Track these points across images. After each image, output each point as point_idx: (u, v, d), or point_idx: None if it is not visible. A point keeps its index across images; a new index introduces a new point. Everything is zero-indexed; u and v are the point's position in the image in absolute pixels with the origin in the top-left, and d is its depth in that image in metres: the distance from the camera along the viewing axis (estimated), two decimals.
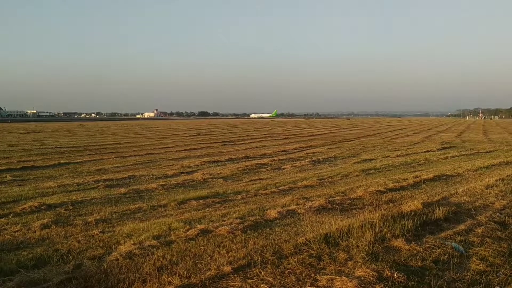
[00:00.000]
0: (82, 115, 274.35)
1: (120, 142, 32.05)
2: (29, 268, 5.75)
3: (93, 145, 28.81)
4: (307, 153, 22.78)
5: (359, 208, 9.41)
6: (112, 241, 6.93)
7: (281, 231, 7.51)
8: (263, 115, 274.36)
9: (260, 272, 5.52)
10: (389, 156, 21.20)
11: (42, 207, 9.46)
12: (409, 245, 6.60)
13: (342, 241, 6.68)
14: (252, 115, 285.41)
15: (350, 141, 33.88)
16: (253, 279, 5.34)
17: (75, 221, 8.34)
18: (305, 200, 10.06)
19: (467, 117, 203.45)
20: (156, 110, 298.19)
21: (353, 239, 6.72)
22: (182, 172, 15.33)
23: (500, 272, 5.65)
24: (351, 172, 15.02)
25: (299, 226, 7.85)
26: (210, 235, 7.15)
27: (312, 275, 5.44)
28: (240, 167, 16.52)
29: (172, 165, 17.52)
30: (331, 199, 10.06)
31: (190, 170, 16.01)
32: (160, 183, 12.63)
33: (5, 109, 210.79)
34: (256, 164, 17.52)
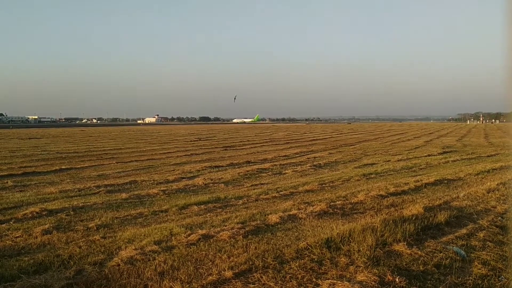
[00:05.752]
0: (84, 121, 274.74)
1: (121, 147, 32.08)
2: (30, 274, 5.75)
3: (94, 150, 28.85)
4: (308, 158, 22.78)
5: (360, 212, 9.41)
6: (113, 247, 6.93)
7: (283, 235, 7.51)
8: (245, 120, 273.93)
9: (262, 277, 5.52)
10: (390, 160, 21.19)
11: (43, 213, 9.47)
12: (410, 249, 6.59)
13: (343, 246, 6.67)
14: (235, 120, 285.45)
15: (351, 145, 33.87)
16: (255, 284, 5.33)
17: (76, 227, 8.34)
18: (306, 204, 10.05)
19: (468, 121, 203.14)
20: (157, 115, 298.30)
21: (355, 243, 6.71)
22: (183, 177, 15.34)
23: (502, 276, 5.64)
24: (352, 176, 15.02)
25: (301, 230, 7.84)
26: (211, 240, 7.15)
27: (314, 280, 5.43)
28: (241, 172, 16.52)
29: (173, 170, 17.53)
30: (332, 203, 10.06)
31: (191, 175, 16.02)
32: (161, 188, 12.63)
33: (7, 115, 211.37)
34: (257, 169, 17.53)
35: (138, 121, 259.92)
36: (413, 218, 8.09)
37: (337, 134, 59.61)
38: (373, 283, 5.27)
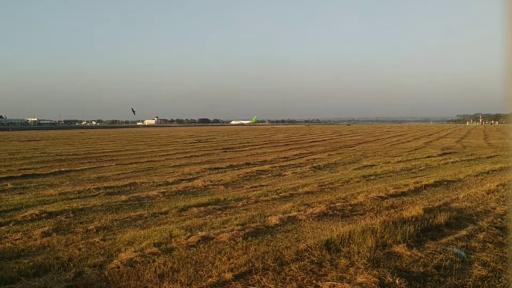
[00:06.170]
0: (83, 123, 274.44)
1: (121, 149, 32.07)
2: (30, 276, 5.74)
3: (93, 152, 28.83)
4: (307, 160, 22.78)
5: (360, 214, 9.41)
6: (113, 249, 6.93)
7: (282, 237, 7.50)
8: (243, 122, 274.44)
9: (262, 279, 5.51)
10: (389, 162, 21.20)
11: (43, 215, 9.46)
12: (410, 251, 6.59)
13: (343, 247, 6.67)
14: (233, 122, 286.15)
15: (350, 147, 33.88)
16: (255, 286, 5.33)
17: (76, 229, 8.33)
18: (306, 206, 10.05)
19: (467, 122, 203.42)
20: (157, 117, 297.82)
21: (355, 245, 6.71)
22: (182, 179, 15.33)
23: (502, 278, 5.64)
24: (351, 178, 15.02)
25: (300, 232, 7.84)
26: (211, 242, 7.15)
27: (314, 281, 5.43)
28: (241, 173, 16.52)
29: (173, 172, 17.53)
30: (332, 205, 10.06)
31: (191, 177, 16.01)
32: (161, 190, 12.63)
33: (6, 117, 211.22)
34: (257, 170, 17.53)
35: (138, 123, 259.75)
36: (413, 220, 8.09)
37: (337, 135, 59.62)
38: (373, 284, 5.26)
